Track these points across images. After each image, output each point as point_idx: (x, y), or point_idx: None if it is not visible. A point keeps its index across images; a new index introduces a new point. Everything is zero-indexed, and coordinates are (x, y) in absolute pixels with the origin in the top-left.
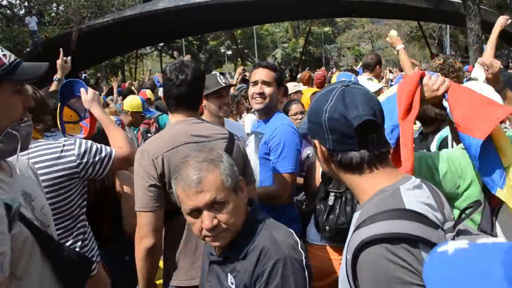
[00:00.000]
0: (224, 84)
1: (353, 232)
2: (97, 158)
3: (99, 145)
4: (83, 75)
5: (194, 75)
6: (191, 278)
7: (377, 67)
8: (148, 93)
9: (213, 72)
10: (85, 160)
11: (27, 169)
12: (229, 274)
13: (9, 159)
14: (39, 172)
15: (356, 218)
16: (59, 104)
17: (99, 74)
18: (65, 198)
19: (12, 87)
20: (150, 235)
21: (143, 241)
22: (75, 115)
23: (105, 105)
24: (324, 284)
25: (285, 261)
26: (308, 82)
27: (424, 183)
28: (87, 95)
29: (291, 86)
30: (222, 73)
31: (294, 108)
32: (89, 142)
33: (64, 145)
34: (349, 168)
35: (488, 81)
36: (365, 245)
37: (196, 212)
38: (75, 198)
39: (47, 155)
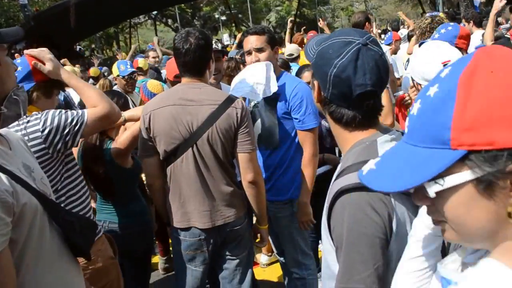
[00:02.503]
0: None
1: (333, 182)
2: (66, 131)
3: (69, 114)
4: (78, 47)
5: (197, 44)
6: (177, 221)
7: (366, 24)
8: (140, 61)
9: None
10: (51, 135)
11: (18, 142)
12: None
13: (2, 132)
14: None
15: (338, 168)
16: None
17: (93, 46)
18: None
19: (4, 50)
20: (148, 177)
21: (145, 179)
22: None
23: (103, 75)
24: None
25: None
26: (301, 45)
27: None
28: (46, 66)
29: (295, 48)
30: (218, 40)
31: (307, 76)
32: (56, 113)
33: (28, 121)
34: (339, 121)
35: None
36: (340, 194)
37: None
38: (52, 180)
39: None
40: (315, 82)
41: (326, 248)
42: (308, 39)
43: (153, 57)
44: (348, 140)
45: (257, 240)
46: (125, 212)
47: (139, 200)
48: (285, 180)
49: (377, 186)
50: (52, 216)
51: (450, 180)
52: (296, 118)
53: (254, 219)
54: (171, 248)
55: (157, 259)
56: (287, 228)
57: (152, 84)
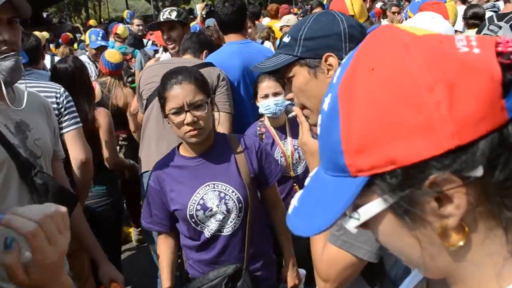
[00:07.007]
0: (162, 20)
1: None
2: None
3: None
4: (45, 14)
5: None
6: (142, 167)
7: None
8: (119, 28)
9: (170, 8)
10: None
11: (39, 105)
12: None
13: (22, 87)
14: None
15: None
16: None
17: (63, 13)
18: None
19: None
20: (138, 130)
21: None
22: None
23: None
24: None
25: None
26: (276, 14)
27: None
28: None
29: (287, 18)
30: (191, 9)
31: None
32: None
33: None
34: None
35: None
36: None
37: None
38: None
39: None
40: (326, 57)
41: None
42: (282, 10)
43: (137, 25)
44: None
45: None
46: (96, 181)
47: (109, 170)
48: None
49: (297, 230)
50: (21, 174)
51: (364, 213)
52: None
53: None
54: None
55: (131, 231)
56: None
57: (110, 53)
